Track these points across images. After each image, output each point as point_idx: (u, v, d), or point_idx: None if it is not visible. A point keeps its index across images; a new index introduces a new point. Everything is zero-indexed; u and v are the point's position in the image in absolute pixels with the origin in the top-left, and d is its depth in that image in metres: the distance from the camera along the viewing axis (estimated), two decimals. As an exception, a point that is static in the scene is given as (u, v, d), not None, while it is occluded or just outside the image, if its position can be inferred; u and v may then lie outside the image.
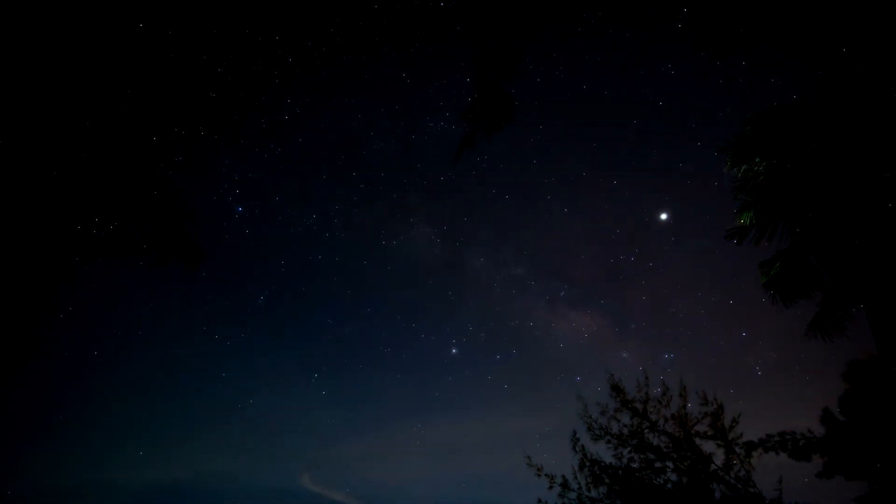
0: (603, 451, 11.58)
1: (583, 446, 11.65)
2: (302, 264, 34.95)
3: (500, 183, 33.80)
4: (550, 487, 11.54)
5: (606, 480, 11.22)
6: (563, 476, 11.58)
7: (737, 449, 11.00)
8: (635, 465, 11.23)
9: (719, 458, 11.06)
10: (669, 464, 11.16)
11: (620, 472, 11.22)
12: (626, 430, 11.46)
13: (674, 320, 31.22)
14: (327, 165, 32.38)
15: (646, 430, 11.35)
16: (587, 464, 11.46)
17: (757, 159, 9.99)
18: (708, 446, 11.19)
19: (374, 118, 30.52)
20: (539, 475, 11.78)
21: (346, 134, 31.64)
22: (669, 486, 10.99)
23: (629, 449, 11.34)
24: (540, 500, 11.58)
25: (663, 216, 28.77)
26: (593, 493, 11.27)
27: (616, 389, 11.66)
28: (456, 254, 35.76)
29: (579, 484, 11.38)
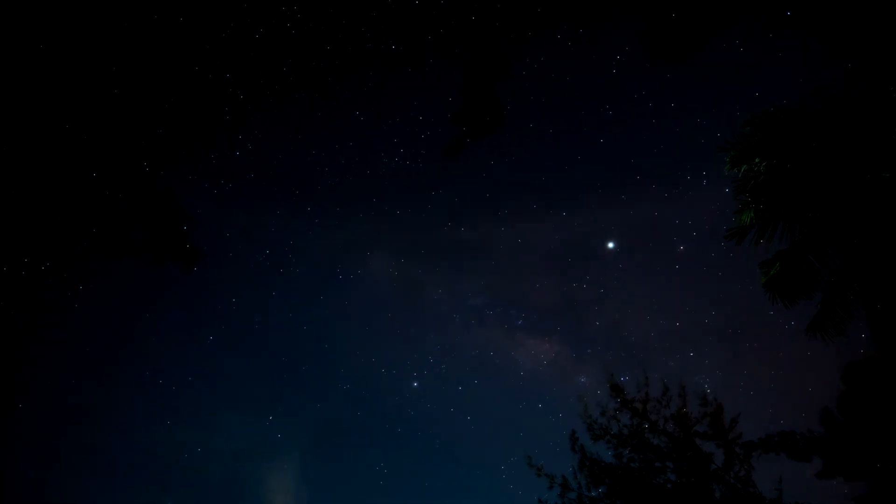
0: (603, 451, 11.57)
1: (582, 446, 11.64)
2: (254, 302, 34.28)
3: (455, 215, 33.88)
4: (551, 487, 11.55)
5: (606, 480, 11.21)
6: (563, 476, 11.57)
7: (737, 449, 10.97)
8: (635, 465, 11.21)
9: (719, 458, 11.04)
10: (669, 464, 11.14)
11: (620, 471, 11.21)
12: (625, 431, 11.44)
13: (626, 343, 32.10)
14: (281, 200, 32.00)
15: (645, 430, 11.33)
16: (587, 464, 11.45)
17: (757, 159, 9.95)
18: (708, 446, 11.18)
19: (329, 154, 30.38)
20: (539, 475, 11.77)
21: (299, 169, 31.43)
22: (669, 486, 10.98)
23: (629, 449, 11.32)
24: (540, 500, 11.59)
25: (610, 245, 30.03)
26: (593, 493, 11.27)
27: (616, 390, 11.63)
28: (414, 286, 35.32)
29: (579, 483, 11.38)
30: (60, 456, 33.09)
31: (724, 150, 10.21)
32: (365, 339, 36.59)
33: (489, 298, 35.84)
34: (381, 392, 35.44)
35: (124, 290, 31.59)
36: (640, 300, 33.29)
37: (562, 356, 34.48)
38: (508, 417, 36.18)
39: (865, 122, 9.18)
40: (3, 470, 31.13)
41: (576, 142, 30.43)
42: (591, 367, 32.51)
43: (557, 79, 25.85)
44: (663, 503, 10.82)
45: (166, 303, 33.51)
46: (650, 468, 11.18)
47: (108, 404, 33.89)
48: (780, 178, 9.97)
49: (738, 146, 10.07)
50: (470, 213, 35.07)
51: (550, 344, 34.72)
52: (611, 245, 29.96)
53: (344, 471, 36.85)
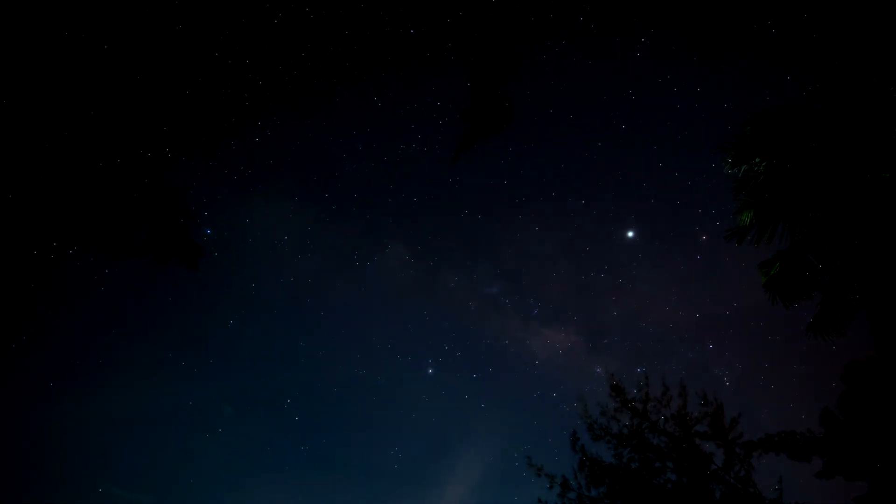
0: (603, 451, 11.57)
1: (583, 446, 11.63)
2: (273, 287, 34.74)
3: (472, 203, 33.95)
4: (551, 487, 11.54)
5: (606, 480, 11.21)
6: (564, 476, 11.56)
7: (737, 449, 10.98)
8: (635, 465, 11.21)
9: (719, 458, 11.05)
10: (669, 464, 11.14)
11: (620, 471, 11.20)
12: (625, 430, 11.44)
13: (644, 334, 31.97)
14: (299, 187, 32.21)
15: (646, 430, 11.33)
16: (587, 464, 11.44)
17: (757, 159, 9.98)
18: (708, 446, 11.18)
19: (347, 140, 30.59)
20: (539, 475, 11.77)
21: (317, 156, 31.66)
22: (669, 485, 10.98)
23: (629, 449, 11.32)
24: (540, 500, 11.59)
25: (630, 234, 29.87)
26: (593, 493, 11.26)
27: (616, 390, 11.64)
28: (430, 274, 35.66)
29: (579, 483, 11.38)
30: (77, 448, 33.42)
31: (725, 149, 10.24)
32: (381, 325, 37.09)
33: (505, 287, 36.06)
34: (396, 378, 35.90)
35: (139, 277, 32.04)
36: (660, 290, 33.11)
37: (578, 346, 34.58)
38: (522, 406, 36.45)
39: (865, 122, 9.22)
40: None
41: (597, 128, 30.24)
42: (607, 357, 32.54)
43: (578, 63, 25.64)
44: (663, 503, 10.82)
45: (187, 287, 34.01)
46: (650, 468, 11.17)
47: (126, 389, 34.29)
48: (780, 178, 10.00)
49: (738, 146, 10.10)
50: (487, 201, 35.17)
51: (566, 333, 34.84)
52: (630, 234, 29.76)
53: (359, 454, 37.41)
